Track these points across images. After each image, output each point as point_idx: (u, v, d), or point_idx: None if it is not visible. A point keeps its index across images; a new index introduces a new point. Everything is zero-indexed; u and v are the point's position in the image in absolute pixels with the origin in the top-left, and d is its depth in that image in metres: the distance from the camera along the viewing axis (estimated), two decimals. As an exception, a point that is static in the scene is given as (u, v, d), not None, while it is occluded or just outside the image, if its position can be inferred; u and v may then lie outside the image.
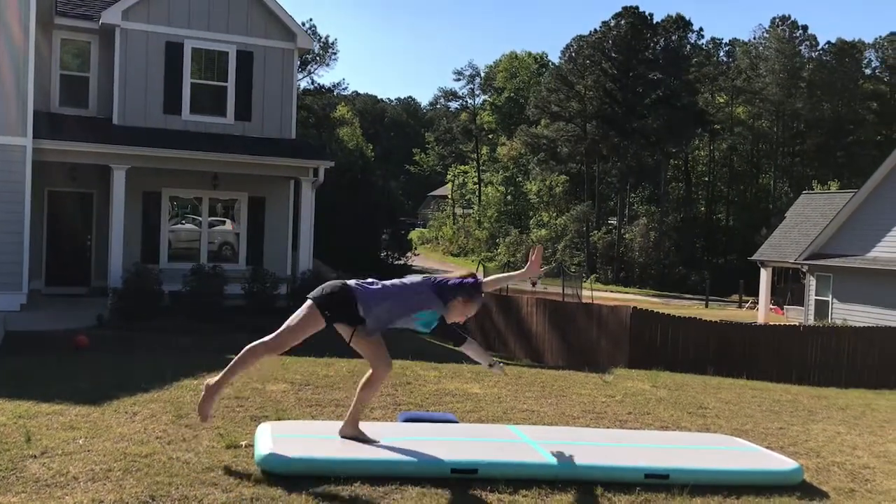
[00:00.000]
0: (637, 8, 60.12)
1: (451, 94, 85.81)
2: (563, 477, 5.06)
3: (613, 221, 61.37)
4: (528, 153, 68.37)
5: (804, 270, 28.36)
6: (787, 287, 37.52)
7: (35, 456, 4.96)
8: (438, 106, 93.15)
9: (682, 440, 6.32)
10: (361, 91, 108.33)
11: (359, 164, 42.11)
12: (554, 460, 5.21)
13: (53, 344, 11.56)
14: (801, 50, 65.04)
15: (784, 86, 62.35)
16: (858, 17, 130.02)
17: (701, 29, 67.98)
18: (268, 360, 5.23)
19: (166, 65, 17.95)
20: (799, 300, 31.87)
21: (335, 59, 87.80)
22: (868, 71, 67.81)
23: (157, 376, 7.76)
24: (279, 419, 6.13)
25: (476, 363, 5.34)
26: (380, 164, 66.85)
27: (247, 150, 17.48)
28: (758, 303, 35.89)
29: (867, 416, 8.76)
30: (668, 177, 63.78)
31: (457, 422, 6.32)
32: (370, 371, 5.35)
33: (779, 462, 5.72)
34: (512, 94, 79.18)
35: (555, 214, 63.14)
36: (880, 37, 68.56)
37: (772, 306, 35.08)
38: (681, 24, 62.53)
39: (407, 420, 6.30)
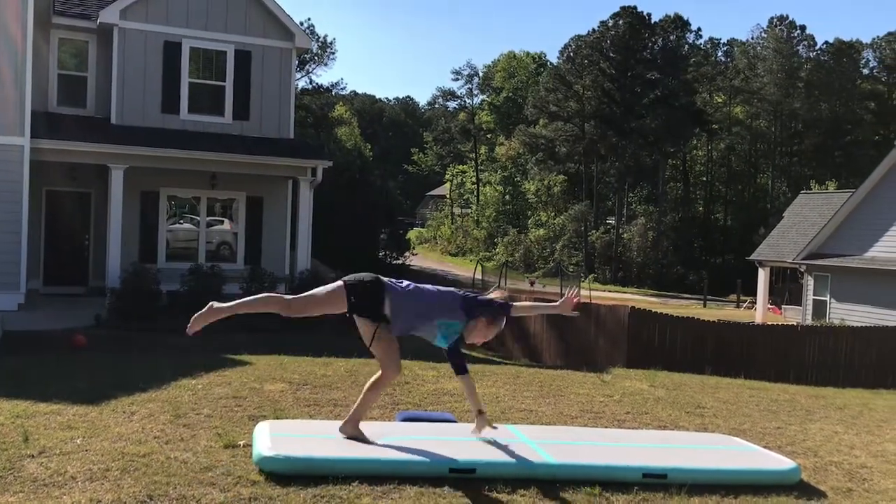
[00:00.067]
0: (635, 8, 60.12)
1: (449, 94, 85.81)
2: (561, 476, 5.06)
3: (611, 221, 61.39)
4: (526, 153, 68.37)
5: (802, 270, 28.38)
6: (785, 287, 37.55)
7: (33, 455, 4.96)
8: (437, 106, 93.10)
9: (680, 440, 6.33)
10: (360, 91, 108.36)
11: (357, 164, 42.12)
12: (552, 460, 5.21)
13: (51, 344, 11.55)
14: (798, 50, 65.07)
15: (782, 86, 62.39)
16: (856, 17, 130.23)
17: (699, 29, 68.34)
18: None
19: (164, 64, 17.94)
20: (797, 300, 31.89)
21: (333, 59, 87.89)
22: (866, 71, 67.84)
23: (155, 376, 7.76)
24: (277, 419, 6.13)
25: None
26: (378, 164, 66.89)
27: (245, 150, 17.47)
28: (756, 302, 35.91)
29: (865, 416, 8.77)
30: (666, 176, 63.79)
31: (455, 421, 6.33)
32: (379, 372, 5.36)
33: (776, 461, 5.72)
34: (510, 94, 79.16)
35: (553, 214, 63.16)
36: (878, 37, 68.64)
37: (770, 306, 35.11)
38: (679, 24, 62.55)
39: (405, 419, 6.30)
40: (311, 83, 62.18)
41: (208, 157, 16.98)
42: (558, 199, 64.15)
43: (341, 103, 74.61)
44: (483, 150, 79.14)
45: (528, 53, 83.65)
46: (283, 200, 19.19)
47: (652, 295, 48.55)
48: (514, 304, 5.39)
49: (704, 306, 41.45)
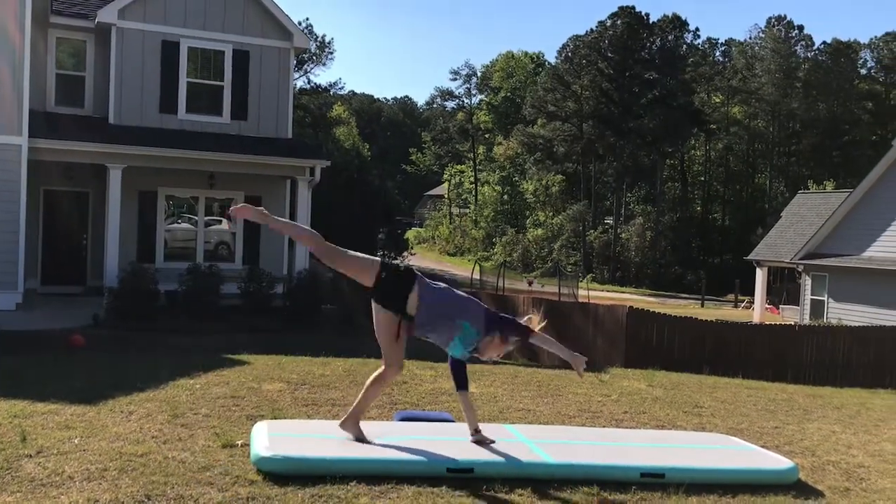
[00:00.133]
0: (633, 8, 60.17)
1: (447, 94, 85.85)
2: (559, 476, 5.06)
3: (610, 221, 61.43)
4: (524, 153, 68.38)
5: (800, 270, 28.40)
6: (783, 286, 37.59)
7: (30, 455, 4.96)
8: (435, 105, 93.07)
9: (678, 439, 6.33)
10: (358, 90, 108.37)
11: (355, 164, 42.07)
12: (550, 459, 5.21)
13: (49, 343, 11.53)
14: (796, 50, 65.14)
15: (780, 86, 62.44)
16: (854, 17, 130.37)
17: (697, 29, 68.41)
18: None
19: (162, 64, 17.93)
20: (794, 300, 31.92)
21: (331, 59, 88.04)
22: (864, 71, 67.93)
23: (153, 376, 7.76)
24: (275, 418, 6.12)
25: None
26: (376, 164, 66.79)
27: (243, 150, 17.46)
28: (753, 302, 35.94)
29: (862, 416, 8.78)
30: (664, 176, 63.82)
31: (453, 421, 6.33)
32: (381, 368, 5.35)
33: (774, 461, 5.73)
34: (508, 94, 79.17)
35: (551, 214, 63.18)
36: (876, 37, 68.76)
37: (767, 306, 35.14)
38: (677, 24, 62.58)
39: (403, 419, 6.30)
40: (309, 83, 62.24)
41: (206, 157, 16.97)
42: (556, 198, 64.19)
43: (339, 103, 74.59)
44: (481, 149, 79.15)
45: (526, 53, 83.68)
46: (282, 200, 19.18)
47: (650, 295, 48.59)
48: (535, 331, 5.36)
49: (702, 306, 41.47)
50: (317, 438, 5.29)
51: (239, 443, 5.38)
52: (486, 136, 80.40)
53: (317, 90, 62.61)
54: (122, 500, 4.27)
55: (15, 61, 15.09)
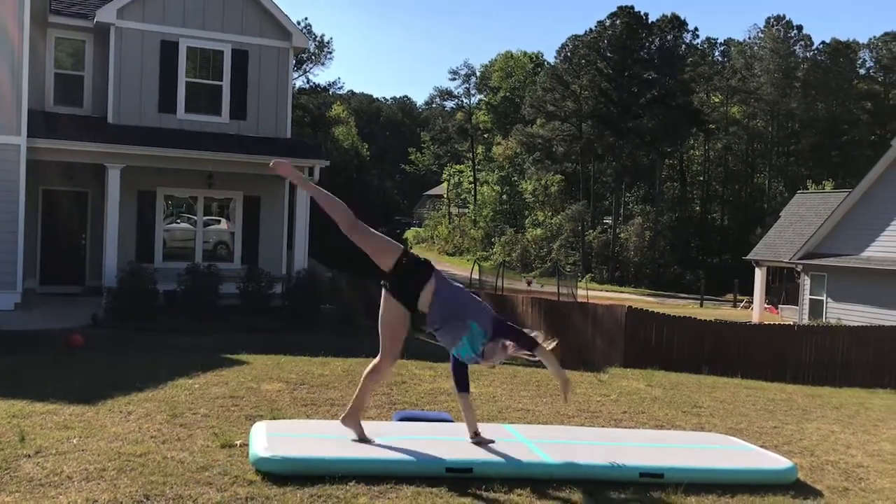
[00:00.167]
0: (632, 8, 60.19)
1: (446, 94, 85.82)
2: (558, 476, 5.06)
3: (609, 221, 61.44)
4: (523, 152, 68.40)
5: (799, 270, 28.41)
6: (782, 286, 37.61)
7: (29, 455, 4.95)
8: (434, 105, 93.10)
9: (677, 439, 6.34)
10: (357, 90, 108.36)
11: (354, 164, 42.13)
12: (549, 459, 5.21)
13: (48, 343, 11.53)
14: (795, 50, 65.16)
15: (779, 85, 62.47)
16: (853, 17, 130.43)
17: (696, 29, 68.38)
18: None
19: (161, 63, 17.91)
20: (793, 299, 31.93)
21: (330, 59, 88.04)
22: (862, 71, 67.96)
23: (152, 376, 7.75)
24: (274, 418, 6.12)
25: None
26: (375, 164, 66.85)
27: (242, 150, 17.45)
28: (752, 302, 35.95)
29: (861, 415, 8.79)
30: (663, 176, 63.85)
31: (452, 421, 6.33)
32: (376, 360, 5.33)
33: (773, 461, 5.73)
34: (507, 94, 79.19)
35: (550, 214, 63.20)
36: (874, 37, 68.80)
37: (766, 305, 35.15)
38: (676, 23, 62.60)
39: (402, 419, 6.30)
40: (308, 83, 62.24)
41: (205, 157, 16.97)
42: (555, 198, 64.20)
43: (338, 103, 74.61)
44: (480, 149, 79.16)
45: (525, 53, 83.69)
46: (280, 200, 19.18)
47: (649, 294, 48.60)
48: (541, 345, 5.33)
49: (701, 306, 41.49)
50: (316, 438, 5.29)
51: (238, 443, 5.37)
52: (485, 135, 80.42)
53: (316, 90, 62.62)
54: (121, 500, 4.27)
55: (14, 61, 15.07)
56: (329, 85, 67.58)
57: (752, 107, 65.22)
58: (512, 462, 5.10)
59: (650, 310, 18.06)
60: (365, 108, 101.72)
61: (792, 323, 22.24)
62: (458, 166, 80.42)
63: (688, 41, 65.22)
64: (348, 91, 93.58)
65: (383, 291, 5.23)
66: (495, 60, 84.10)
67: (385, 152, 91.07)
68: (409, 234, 62.50)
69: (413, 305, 5.18)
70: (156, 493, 4.37)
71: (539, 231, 61.67)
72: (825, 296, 26.52)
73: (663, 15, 63.29)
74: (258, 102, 18.77)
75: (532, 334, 5.35)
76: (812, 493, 5.36)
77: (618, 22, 60.03)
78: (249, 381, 7.77)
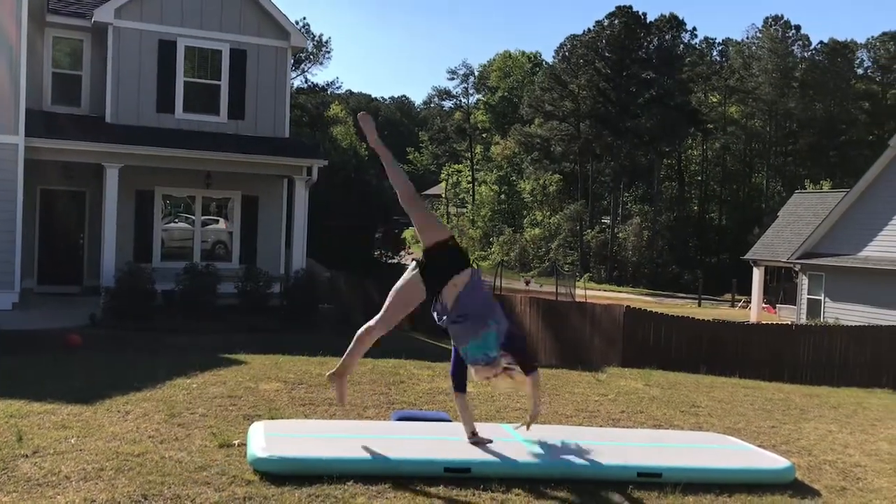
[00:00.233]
0: (630, 7, 60.23)
1: (444, 93, 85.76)
2: (556, 476, 5.06)
3: (607, 220, 61.48)
4: (521, 152, 68.42)
5: (796, 269, 28.43)
6: (780, 286, 37.64)
7: (27, 455, 4.95)
8: (432, 105, 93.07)
9: (675, 439, 6.34)
10: (355, 90, 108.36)
11: (352, 163, 42.11)
12: (547, 459, 5.21)
13: (46, 343, 11.52)
14: (793, 50, 65.24)
15: (777, 85, 62.54)
16: (851, 17, 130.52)
17: (694, 28, 68.44)
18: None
19: (159, 63, 17.90)
20: (791, 299, 31.96)
21: (329, 58, 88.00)
22: (860, 71, 68.04)
23: (150, 375, 7.75)
24: (272, 418, 6.12)
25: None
26: (373, 163, 66.58)
27: (240, 149, 17.44)
28: (750, 302, 35.97)
29: (859, 415, 8.80)
30: (661, 176, 63.90)
31: (450, 420, 6.33)
32: (369, 323, 5.31)
33: (771, 460, 5.74)
34: (506, 94, 79.20)
35: (548, 213, 63.22)
36: (872, 37, 68.89)
37: (764, 305, 35.17)
38: (674, 23, 62.65)
39: (400, 419, 6.30)
40: (306, 82, 62.16)
41: (203, 157, 16.95)
42: (554, 198, 64.22)
43: (337, 102, 74.52)
44: (478, 149, 79.16)
45: (523, 53, 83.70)
46: (279, 199, 19.17)
47: (647, 294, 48.63)
48: (537, 372, 5.52)
49: (699, 305, 41.51)
50: (314, 438, 5.29)
51: (236, 442, 5.37)
52: (484, 135, 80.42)
53: (314, 89, 62.55)
54: (119, 500, 4.27)
55: (11, 60, 15.06)
56: (327, 84, 67.46)
57: (750, 107, 65.29)
58: (510, 462, 5.10)
59: (648, 309, 18.06)
60: (363, 108, 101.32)
61: (790, 322, 22.25)
62: (456, 166, 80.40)
63: (686, 41, 65.32)
64: (346, 91, 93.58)
65: (411, 266, 5.25)
66: (493, 60, 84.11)
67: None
68: (408, 233, 62.37)
69: (435, 290, 5.16)
70: (154, 493, 4.37)
71: (537, 231, 61.69)
72: (823, 295, 26.54)
73: (661, 15, 63.39)
74: (256, 102, 18.76)
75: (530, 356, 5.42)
76: (810, 493, 5.36)
77: (616, 22, 60.06)
78: (247, 381, 7.77)
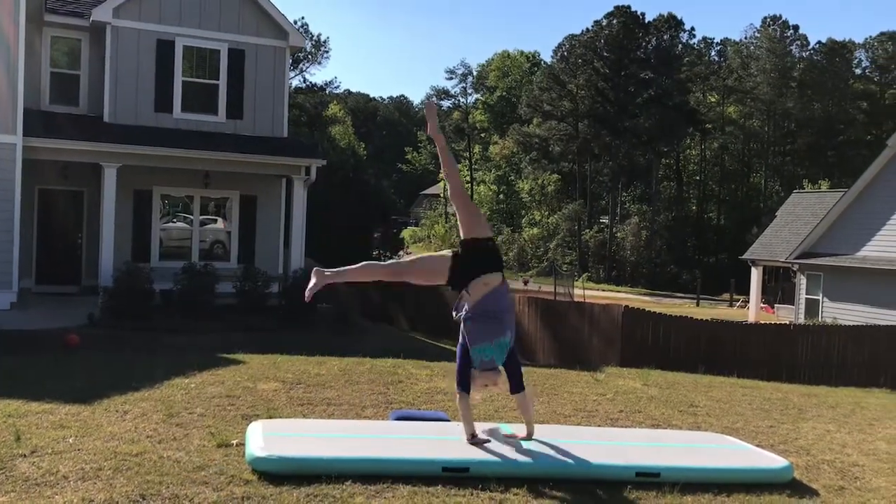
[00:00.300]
0: (629, 7, 60.25)
1: (443, 93, 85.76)
2: (554, 475, 5.07)
3: (605, 220, 61.51)
4: (520, 152, 68.43)
5: (795, 269, 28.45)
6: (778, 286, 37.64)
7: (25, 455, 4.94)
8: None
9: (673, 438, 6.34)
10: (353, 89, 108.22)
11: (351, 163, 42.07)
12: (545, 459, 5.22)
13: (44, 343, 11.51)
14: (791, 50, 65.28)
15: (775, 85, 62.57)
16: (849, 17, 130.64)
17: (692, 28, 68.37)
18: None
19: (157, 63, 17.88)
20: (789, 299, 31.97)
21: (327, 58, 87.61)
22: (858, 71, 68.09)
23: (148, 375, 7.74)
24: (270, 418, 6.12)
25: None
26: (372, 163, 66.76)
27: (238, 149, 17.42)
28: (748, 301, 35.99)
29: (856, 415, 8.80)
30: (659, 176, 63.93)
31: (449, 420, 6.33)
32: (383, 263, 5.56)
33: (769, 460, 5.74)
34: (504, 94, 79.21)
35: (547, 213, 63.24)
36: (870, 37, 68.90)
37: (762, 305, 35.19)
38: (672, 23, 62.67)
39: (399, 418, 6.30)
40: (304, 82, 62.16)
41: (202, 156, 16.94)
42: (552, 198, 64.23)
43: (335, 102, 74.49)
44: (477, 149, 79.17)
45: (521, 52, 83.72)
46: (277, 199, 19.16)
47: (645, 294, 48.65)
48: (528, 390, 5.71)
49: (697, 305, 41.53)
50: (312, 438, 5.29)
51: (234, 442, 5.37)
52: (482, 135, 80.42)
53: (312, 89, 62.54)
54: (117, 500, 4.26)
55: (9, 60, 15.04)
56: (326, 84, 67.53)
57: (748, 106, 65.34)
58: (508, 461, 5.10)
59: (647, 309, 18.08)
60: (362, 108, 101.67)
61: (788, 322, 22.27)
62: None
63: (684, 41, 65.35)
64: (345, 90, 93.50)
65: (449, 254, 5.31)
66: (492, 60, 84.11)
67: (382, 151, 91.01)
68: (406, 233, 62.48)
69: (459, 282, 5.23)
70: (152, 493, 4.37)
71: (536, 230, 61.71)
72: (821, 295, 26.57)
73: (660, 15, 63.42)
74: (255, 101, 18.75)
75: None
76: (808, 493, 5.37)
77: (614, 21, 60.08)
78: (246, 381, 7.77)
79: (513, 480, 4.92)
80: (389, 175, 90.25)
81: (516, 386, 5.49)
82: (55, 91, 17.89)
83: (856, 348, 16.72)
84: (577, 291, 37.52)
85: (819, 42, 65.88)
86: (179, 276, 16.12)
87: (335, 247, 30.96)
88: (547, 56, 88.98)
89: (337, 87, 72.89)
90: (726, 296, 44.81)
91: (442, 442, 5.39)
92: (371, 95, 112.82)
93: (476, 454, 5.17)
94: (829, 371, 16.09)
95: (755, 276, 34.09)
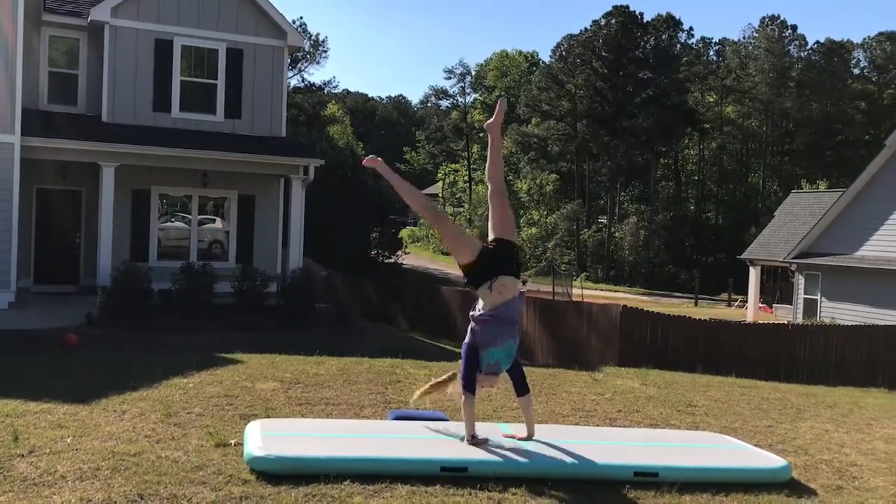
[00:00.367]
0: (627, 7, 60.25)
1: (441, 93, 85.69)
2: (552, 475, 5.07)
3: (603, 220, 61.51)
4: (518, 152, 68.43)
5: (793, 269, 28.47)
6: (776, 286, 37.66)
7: (23, 455, 4.94)
8: (429, 104, 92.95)
9: (672, 438, 6.34)
10: (352, 89, 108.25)
11: (349, 163, 41.99)
12: (544, 459, 5.22)
13: (42, 342, 11.51)
14: (790, 50, 65.32)
15: (773, 85, 62.61)
16: (847, 17, 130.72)
17: (691, 28, 68.49)
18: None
19: (156, 62, 17.86)
20: (787, 299, 31.99)
21: (326, 57, 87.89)
22: (856, 71, 68.15)
23: (146, 375, 7.74)
24: (269, 417, 6.11)
25: None
26: (370, 163, 66.51)
27: (237, 148, 17.42)
28: (747, 301, 36.02)
29: (854, 414, 8.81)
30: (657, 176, 63.94)
31: (447, 420, 6.33)
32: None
33: (767, 460, 5.74)
34: (503, 93, 79.15)
35: (545, 213, 63.23)
36: (868, 37, 69.01)
37: (760, 305, 35.22)
38: (671, 23, 62.69)
39: (397, 418, 6.30)
40: (303, 81, 62.18)
41: (200, 156, 16.93)
42: (550, 197, 64.23)
43: (333, 102, 74.41)
44: (475, 148, 79.12)
45: (520, 52, 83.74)
46: (275, 199, 19.15)
47: (643, 294, 48.66)
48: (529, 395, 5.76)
49: (696, 305, 41.55)
50: (310, 437, 5.28)
51: (232, 442, 5.37)
52: (481, 134, 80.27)
53: (311, 88, 62.55)
54: (115, 500, 4.26)
55: (8, 59, 15.03)
56: (324, 84, 67.58)
57: (746, 106, 65.37)
58: (507, 461, 5.11)
59: (645, 309, 18.08)
60: (360, 107, 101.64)
61: (786, 322, 22.28)
62: (453, 165, 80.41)
63: (683, 41, 65.37)
64: (343, 90, 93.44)
65: (480, 244, 5.51)
66: (490, 59, 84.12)
67: (380, 151, 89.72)
68: (405, 233, 62.39)
69: (479, 276, 5.32)
70: (150, 493, 4.36)
71: (534, 230, 61.71)
72: (819, 295, 26.59)
73: (658, 14, 63.46)
74: (253, 101, 18.74)
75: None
76: (806, 492, 5.37)
77: (613, 21, 60.08)
78: (244, 381, 7.76)
79: (511, 480, 4.92)
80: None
81: (522, 388, 5.56)
82: (53, 90, 17.87)
83: (854, 348, 16.73)
84: (576, 291, 37.52)
85: (817, 42, 66.00)
86: (178, 275, 16.12)
87: (333, 246, 30.97)
88: (545, 56, 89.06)
89: (335, 87, 72.95)
90: (724, 296, 44.83)
91: (440, 441, 5.39)
92: (369, 95, 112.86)
93: (474, 454, 5.17)
94: (827, 371, 16.10)
95: (753, 275, 34.12)
